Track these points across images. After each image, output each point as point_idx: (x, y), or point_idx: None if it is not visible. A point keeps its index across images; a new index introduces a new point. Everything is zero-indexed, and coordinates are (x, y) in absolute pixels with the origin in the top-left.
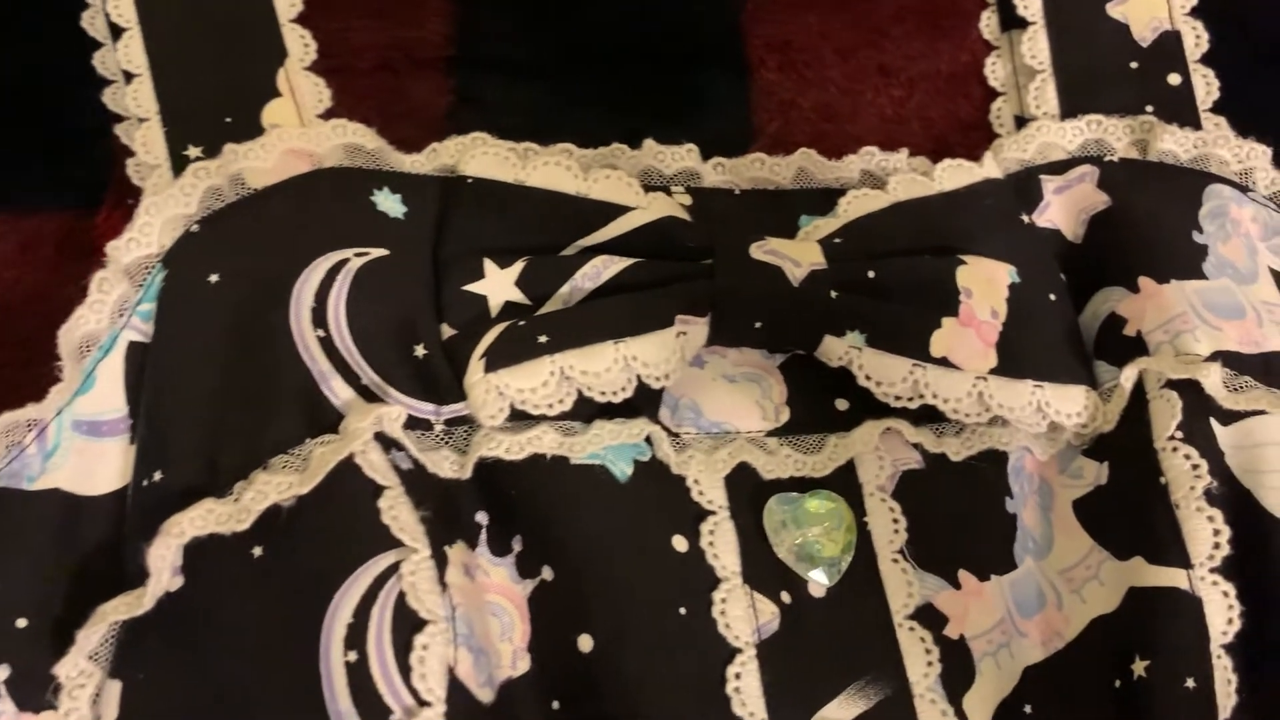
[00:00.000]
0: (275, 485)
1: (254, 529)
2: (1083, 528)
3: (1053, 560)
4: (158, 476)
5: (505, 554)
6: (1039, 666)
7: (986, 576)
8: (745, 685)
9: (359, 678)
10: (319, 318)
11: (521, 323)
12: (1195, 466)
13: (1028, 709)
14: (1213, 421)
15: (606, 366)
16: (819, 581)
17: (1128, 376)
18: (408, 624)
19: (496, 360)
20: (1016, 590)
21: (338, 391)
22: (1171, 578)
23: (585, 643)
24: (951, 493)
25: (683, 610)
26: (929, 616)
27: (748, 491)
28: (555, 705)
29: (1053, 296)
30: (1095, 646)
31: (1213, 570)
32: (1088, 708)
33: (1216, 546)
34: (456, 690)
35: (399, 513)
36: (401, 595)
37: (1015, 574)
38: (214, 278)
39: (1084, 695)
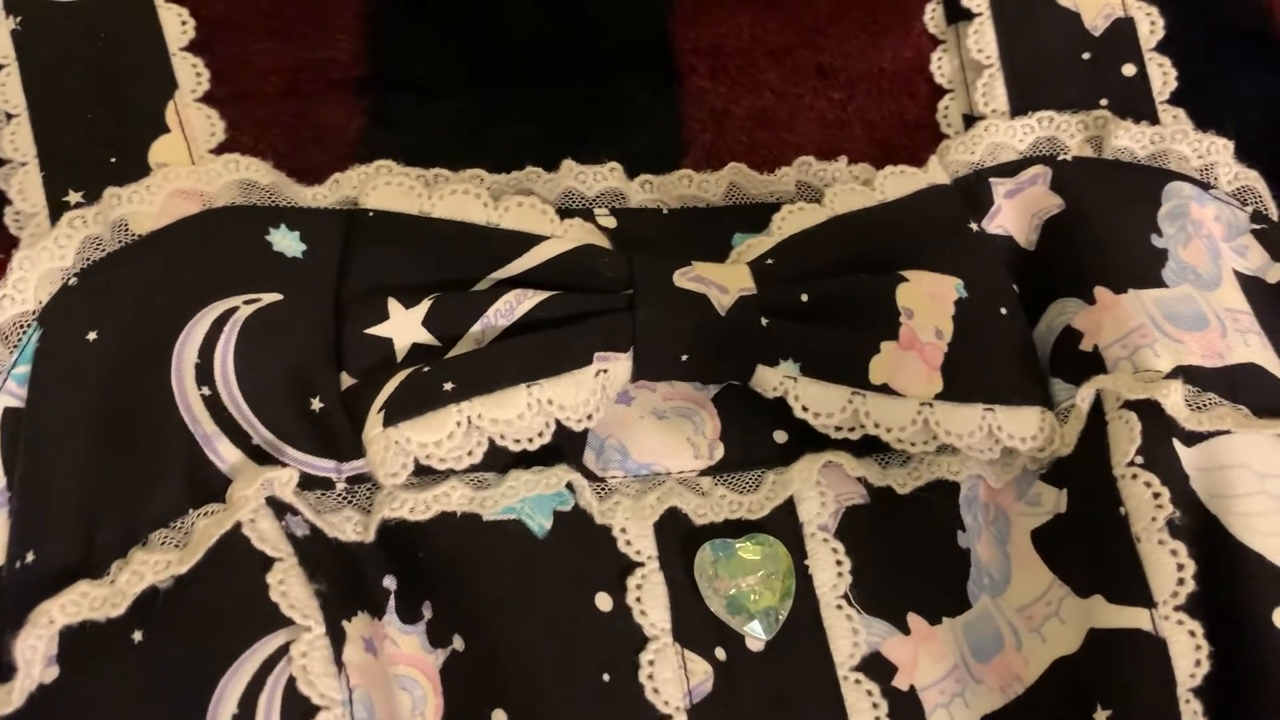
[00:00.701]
0: (152, 565)
1: (132, 613)
2: (1042, 560)
3: (1010, 596)
4: (30, 558)
5: (415, 621)
6: (997, 715)
7: (938, 619)
8: None
9: None
10: (204, 374)
11: (425, 369)
12: (1156, 495)
13: None
14: (1175, 443)
15: (519, 413)
16: (756, 635)
17: (1083, 397)
18: (299, 711)
19: (397, 412)
20: (971, 632)
21: (224, 455)
22: (1133, 618)
23: (499, 719)
24: (899, 529)
25: (606, 677)
26: (876, 667)
27: (678, 539)
28: None
29: (1004, 310)
30: (1057, 692)
31: (1177, 608)
32: None
33: (1181, 582)
34: None
35: (289, 587)
36: (292, 680)
37: (969, 615)
38: (92, 335)
39: None
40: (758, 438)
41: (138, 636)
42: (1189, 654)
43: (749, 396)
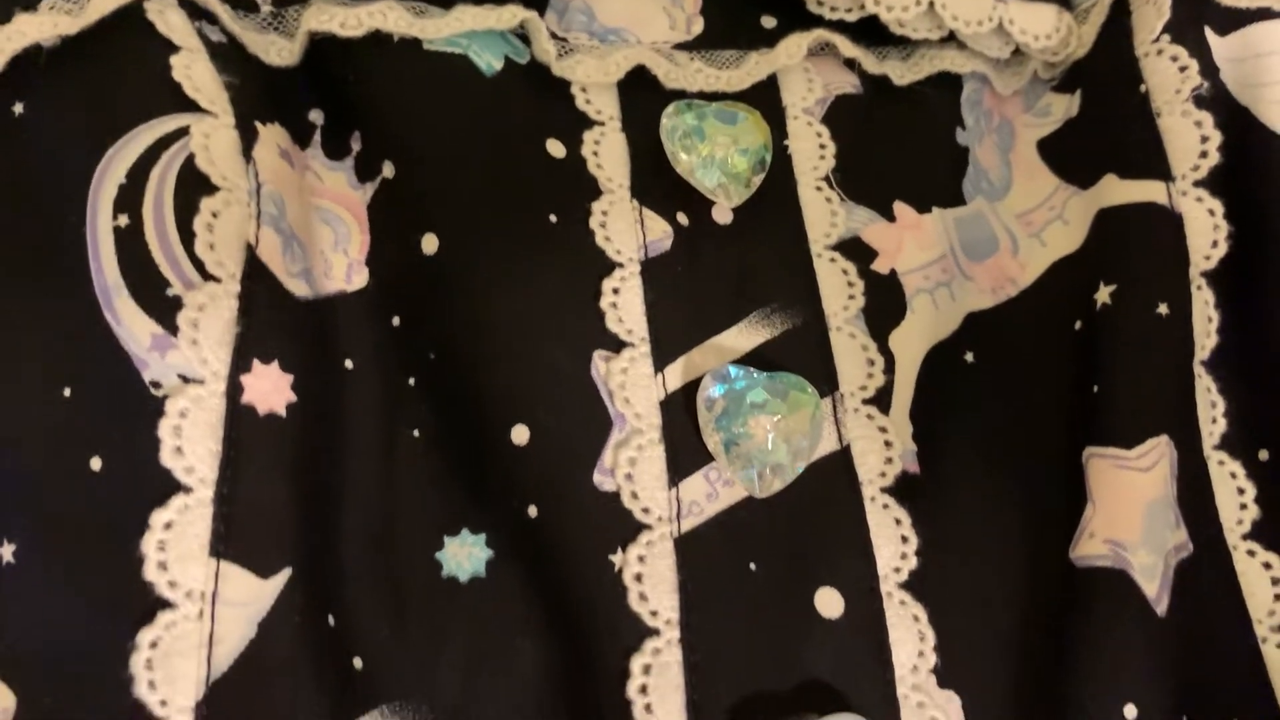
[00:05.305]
0: (36, 24)
1: (12, 79)
2: (1048, 167)
3: (1010, 203)
4: None
5: (343, 156)
6: (986, 314)
7: (928, 208)
8: (624, 301)
9: (130, 245)
10: None
11: None
12: (1183, 69)
13: (969, 357)
14: (1208, 31)
15: None
16: (722, 194)
17: None
18: (196, 189)
19: None
20: (964, 229)
21: None
22: (1147, 191)
23: (430, 243)
24: (892, 120)
25: (553, 217)
26: (855, 249)
27: (645, 102)
28: (395, 322)
29: None
30: (1055, 290)
31: (1197, 183)
32: (1043, 357)
33: (1203, 155)
34: (258, 275)
35: (195, 73)
36: (191, 157)
37: (963, 211)
38: None
39: (1039, 343)
40: (743, 18)
41: (19, 109)
42: (1206, 233)
43: None
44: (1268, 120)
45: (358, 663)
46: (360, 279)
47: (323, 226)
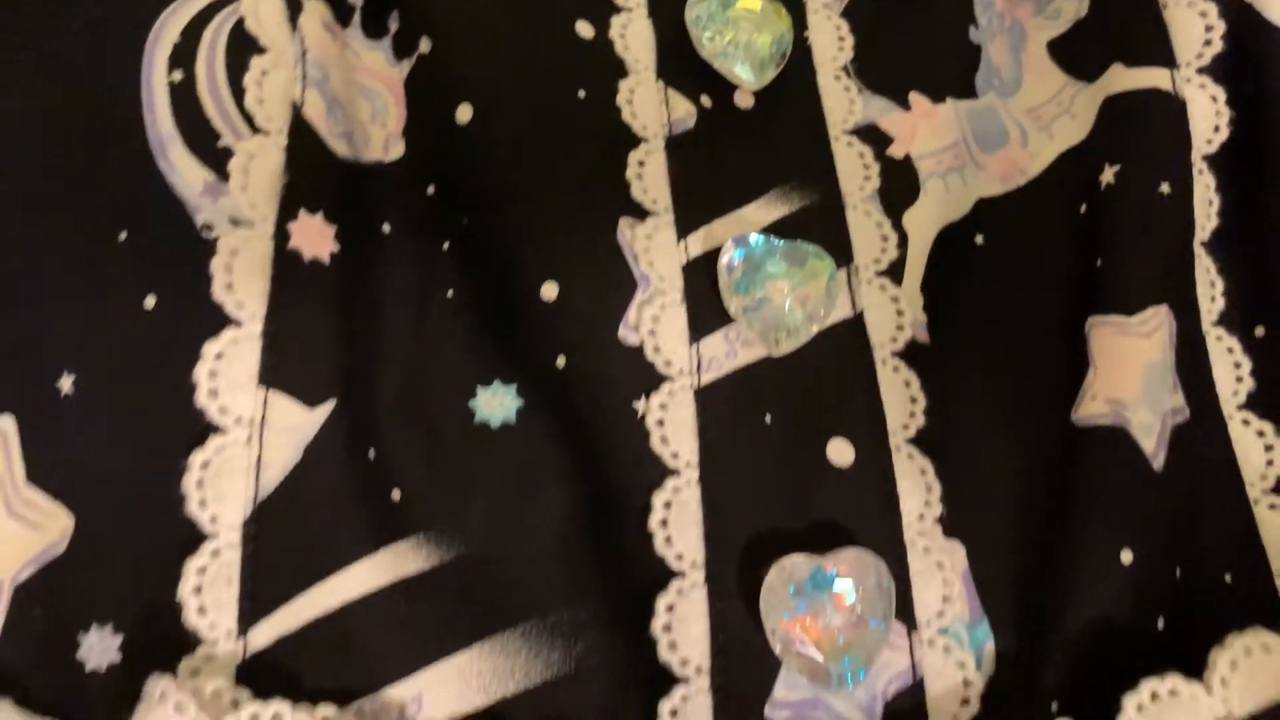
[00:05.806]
0: None
1: None
2: (1057, 65)
3: (1020, 100)
4: None
5: (381, 35)
6: (996, 200)
7: (942, 98)
8: (649, 173)
9: (184, 99)
10: None
11: None
12: None
13: (979, 240)
14: None
15: None
16: (744, 77)
17: None
18: (246, 48)
19: None
20: (976, 120)
21: None
22: (1152, 78)
23: (464, 112)
24: (908, 16)
25: (581, 93)
26: (871, 135)
27: None
28: (430, 190)
29: None
30: (1062, 178)
31: (1201, 70)
32: (1049, 239)
33: (1207, 44)
34: (304, 131)
35: None
36: (241, 21)
37: (975, 103)
38: None
39: (1046, 227)
40: None
41: None
42: (1208, 117)
43: None
44: (1269, 14)
45: (396, 494)
46: (397, 150)
47: (362, 100)
